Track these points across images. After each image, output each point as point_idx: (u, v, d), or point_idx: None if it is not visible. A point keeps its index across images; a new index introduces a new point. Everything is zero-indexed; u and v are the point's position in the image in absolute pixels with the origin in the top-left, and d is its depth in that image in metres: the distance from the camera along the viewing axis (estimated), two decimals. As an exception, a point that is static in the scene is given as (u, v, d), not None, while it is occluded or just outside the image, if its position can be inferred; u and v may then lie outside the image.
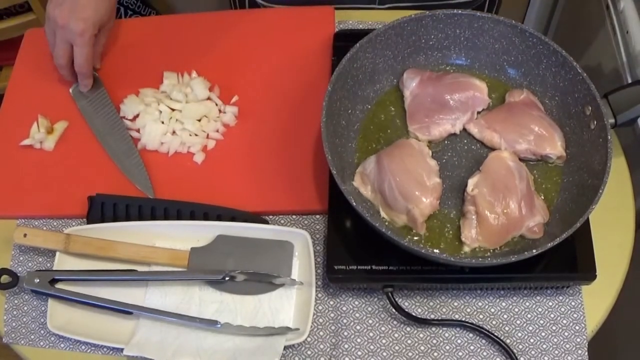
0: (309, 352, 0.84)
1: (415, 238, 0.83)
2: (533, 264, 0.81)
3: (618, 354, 1.23)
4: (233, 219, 0.89)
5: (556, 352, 0.83)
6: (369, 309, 0.86)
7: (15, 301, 0.88)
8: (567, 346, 0.83)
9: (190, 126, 0.97)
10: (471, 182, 0.83)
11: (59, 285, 0.85)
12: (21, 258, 0.91)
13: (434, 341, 0.84)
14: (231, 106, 0.99)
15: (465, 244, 0.82)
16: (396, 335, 0.84)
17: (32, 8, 1.65)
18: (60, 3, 0.93)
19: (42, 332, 0.86)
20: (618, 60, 1.09)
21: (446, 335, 0.84)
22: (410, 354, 0.83)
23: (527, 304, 0.86)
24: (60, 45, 0.95)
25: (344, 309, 0.86)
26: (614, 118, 0.86)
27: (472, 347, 0.84)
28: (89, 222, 0.90)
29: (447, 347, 0.84)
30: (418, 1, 1.12)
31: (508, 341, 0.83)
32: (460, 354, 0.83)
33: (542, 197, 0.86)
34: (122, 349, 0.82)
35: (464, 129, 0.91)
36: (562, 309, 0.85)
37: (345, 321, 0.85)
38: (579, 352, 0.83)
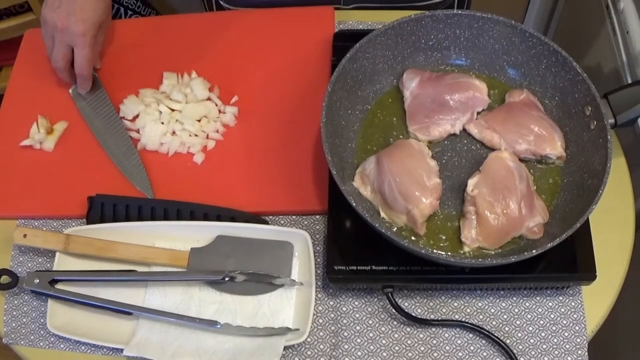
0: (308, 353, 0.84)
1: (415, 238, 0.83)
2: (533, 264, 0.81)
3: (618, 354, 1.23)
4: (233, 219, 0.89)
5: (556, 352, 0.83)
6: (369, 309, 0.86)
7: (15, 302, 0.88)
8: (567, 346, 0.83)
9: (190, 126, 0.97)
10: (471, 183, 0.82)
11: (58, 286, 0.85)
12: (21, 258, 0.91)
13: (434, 342, 0.84)
14: (231, 106, 0.99)
15: (465, 244, 0.82)
16: (396, 335, 0.84)
17: (32, 8, 1.64)
18: (57, 6, 0.92)
19: (42, 332, 0.86)
20: (618, 60, 1.09)
21: (446, 335, 0.84)
22: (410, 354, 0.83)
23: (527, 304, 0.86)
24: (60, 48, 0.94)
25: (344, 309, 0.86)
26: (614, 118, 0.86)
27: (472, 348, 0.84)
28: (88, 223, 0.90)
29: (447, 348, 0.84)
30: (385, 2, 1.11)
31: (508, 341, 0.83)
32: (460, 354, 0.83)
33: (542, 198, 0.86)
34: (122, 350, 0.82)
35: (464, 129, 0.91)
36: (562, 310, 0.85)
37: (345, 322, 0.85)
38: (579, 352, 0.83)
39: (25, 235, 0.87)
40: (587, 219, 0.81)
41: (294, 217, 0.92)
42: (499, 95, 0.94)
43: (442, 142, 0.91)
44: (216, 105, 0.99)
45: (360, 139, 0.91)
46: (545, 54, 0.90)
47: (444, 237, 0.84)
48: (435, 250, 0.82)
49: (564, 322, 0.84)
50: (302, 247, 0.87)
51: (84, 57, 0.94)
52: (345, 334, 0.85)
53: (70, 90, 1.01)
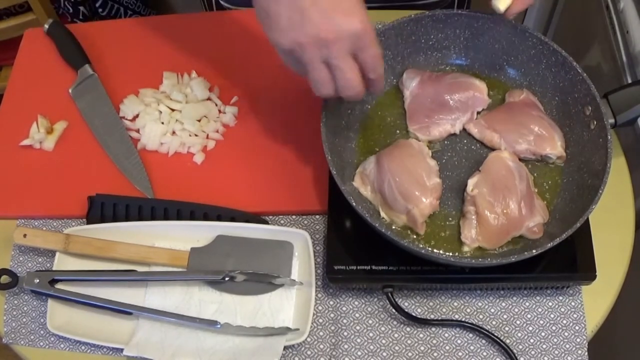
0: (308, 352, 0.84)
1: (415, 238, 0.83)
2: (533, 264, 0.81)
3: (618, 354, 1.23)
4: (233, 219, 0.89)
5: (556, 352, 0.83)
6: (369, 309, 0.86)
7: (15, 301, 0.88)
8: (567, 346, 0.83)
9: (190, 126, 0.97)
10: (471, 182, 0.82)
11: (58, 286, 0.85)
12: (21, 258, 0.91)
13: (434, 341, 0.84)
14: (231, 106, 0.99)
15: (465, 244, 0.82)
16: (396, 335, 0.84)
17: (31, 8, 1.65)
18: (299, 20, 0.68)
19: (41, 332, 0.86)
20: (618, 60, 1.09)
21: (446, 335, 0.84)
22: (410, 354, 0.83)
23: (527, 304, 0.86)
24: (344, 62, 0.70)
25: (344, 309, 0.86)
26: (614, 118, 0.86)
27: (472, 348, 0.84)
28: (88, 222, 0.90)
29: (447, 348, 0.84)
30: (384, 2, 1.10)
31: (508, 341, 0.83)
32: (460, 354, 0.83)
33: (542, 197, 0.86)
34: (122, 349, 0.82)
35: (464, 129, 0.91)
36: (562, 309, 0.85)
37: (345, 321, 0.85)
38: (579, 352, 0.83)
39: (25, 235, 0.87)
40: (587, 219, 0.81)
41: (294, 217, 0.92)
42: (499, 95, 0.94)
43: (442, 142, 0.91)
44: (216, 105, 0.99)
45: (360, 139, 0.91)
46: (545, 54, 0.90)
47: (444, 237, 0.84)
48: (435, 250, 0.82)
49: (564, 321, 0.84)
50: (302, 247, 0.87)
51: (375, 55, 0.72)
52: (345, 333, 0.85)
53: (70, 90, 1.01)
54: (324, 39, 0.67)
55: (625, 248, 0.89)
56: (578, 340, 0.83)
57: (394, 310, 0.83)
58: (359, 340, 0.84)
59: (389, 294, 0.83)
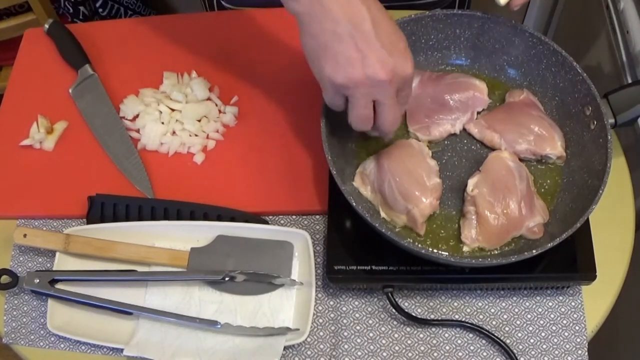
0: (308, 353, 0.84)
1: (415, 238, 0.83)
2: (533, 264, 0.81)
3: (618, 354, 1.23)
4: (233, 219, 0.89)
5: (556, 352, 0.83)
6: (369, 309, 0.86)
7: (15, 301, 0.88)
8: (567, 346, 0.83)
9: (190, 126, 0.97)
10: (471, 182, 0.82)
11: (58, 286, 0.85)
12: (21, 258, 0.91)
13: (434, 341, 0.84)
14: (231, 106, 0.99)
15: (465, 244, 0.82)
16: (396, 335, 0.84)
17: (31, 8, 1.65)
18: (357, 58, 0.68)
19: (42, 332, 0.86)
20: (618, 60, 1.09)
21: (446, 335, 0.84)
22: (410, 354, 0.83)
23: (527, 304, 0.86)
24: (391, 101, 0.73)
25: (344, 309, 0.86)
26: (614, 118, 0.86)
27: (472, 348, 0.84)
28: (88, 222, 0.90)
29: (447, 348, 0.84)
30: (384, 2, 1.10)
31: (508, 341, 0.83)
32: (460, 354, 0.83)
33: (542, 197, 0.86)
34: (122, 349, 0.82)
35: (464, 129, 0.91)
36: (562, 309, 0.85)
37: (345, 321, 0.85)
38: (579, 352, 0.83)
39: (25, 235, 0.87)
40: (587, 219, 0.81)
41: (294, 217, 0.92)
42: (499, 95, 0.94)
43: (442, 142, 0.91)
44: (216, 105, 0.99)
45: (360, 139, 0.91)
46: (545, 54, 0.90)
47: (444, 237, 0.84)
48: (435, 250, 0.82)
49: (564, 322, 0.84)
50: (302, 247, 0.87)
51: (410, 93, 0.76)
52: (345, 333, 0.85)
53: (70, 90, 1.01)
54: (380, 80, 0.69)
55: (625, 248, 0.89)
56: (578, 340, 0.83)
57: (394, 311, 0.83)
58: (359, 341, 0.84)
59: (389, 294, 0.83)
